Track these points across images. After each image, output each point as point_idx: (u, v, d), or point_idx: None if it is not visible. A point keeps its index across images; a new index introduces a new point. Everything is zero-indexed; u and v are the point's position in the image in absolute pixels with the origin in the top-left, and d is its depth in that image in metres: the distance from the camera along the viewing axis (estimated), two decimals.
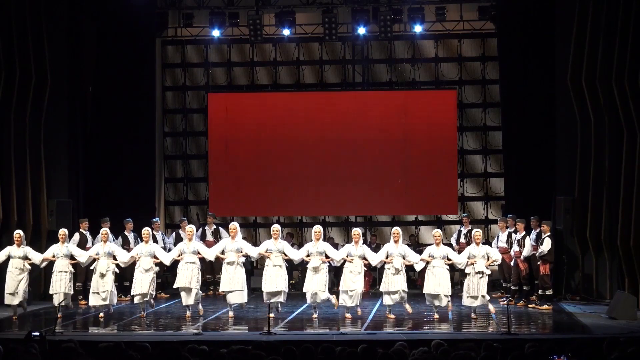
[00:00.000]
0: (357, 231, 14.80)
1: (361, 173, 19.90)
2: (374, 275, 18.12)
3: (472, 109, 21.10)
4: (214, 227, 18.37)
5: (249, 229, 21.06)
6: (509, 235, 16.57)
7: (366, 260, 14.72)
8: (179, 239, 17.24)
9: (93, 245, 16.14)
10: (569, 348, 8.41)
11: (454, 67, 21.16)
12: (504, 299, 16.33)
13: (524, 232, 16.24)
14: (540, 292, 15.96)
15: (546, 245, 15.79)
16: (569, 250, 17.23)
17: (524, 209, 17.26)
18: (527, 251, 16.01)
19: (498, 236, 17.27)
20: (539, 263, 15.89)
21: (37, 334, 9.41)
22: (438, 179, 19.84)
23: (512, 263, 16.34)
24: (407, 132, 19.90)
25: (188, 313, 14.77)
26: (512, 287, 16.38)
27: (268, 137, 20.10)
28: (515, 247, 16.26)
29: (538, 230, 16.23)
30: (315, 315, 14.61)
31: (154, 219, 17.93)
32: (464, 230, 18.00)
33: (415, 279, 18.51)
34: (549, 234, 15.96)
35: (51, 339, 10.10)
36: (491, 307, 14.63)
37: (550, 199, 17.58)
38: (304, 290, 14.78)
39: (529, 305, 15.96)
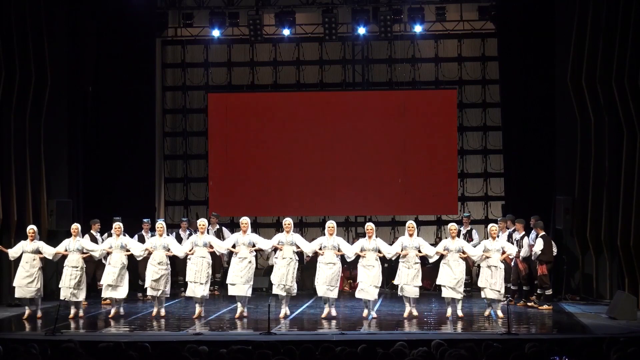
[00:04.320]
0: (370, 226, 14.70)
1: (361, 173, 19.87)
2: None
3: (472, 109, 21.09)
4: (217, 227, 18.29)
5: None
6: (510, 236, 16.56)
7: (380, 253, 14.57)
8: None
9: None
10: (569, 348, 8.41)
11: (454, 67, 21.15)
12: (504, 299, 16.32)
13: (523, 232, 16.23)
14: (539, 292, 15.96)
15: (538, 245, 15.75)
16: (569, 250, 17.23)
17: (524, 209, 17.27)
18: (524, 251, 15.98)
19: (498, 236, 17.25)
20: (537, 265, 15.89)
21: None
22: (438, 179, 19.82)
23: (512, 263, 16.33)
24: (407, 132, 19.89)
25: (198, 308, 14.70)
26: (511, 287, 16.36)
27: (268, 137, 20.08)
28: (515, 247, 16.24)
29: None
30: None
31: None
32: (463, 231, 17.98)
33: None
34: (543, 234, 15.93)
35: (51, 339, 10.11)
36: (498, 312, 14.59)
37: (550, 199, 17.59)
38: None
39: (528, 304, 15.97)
